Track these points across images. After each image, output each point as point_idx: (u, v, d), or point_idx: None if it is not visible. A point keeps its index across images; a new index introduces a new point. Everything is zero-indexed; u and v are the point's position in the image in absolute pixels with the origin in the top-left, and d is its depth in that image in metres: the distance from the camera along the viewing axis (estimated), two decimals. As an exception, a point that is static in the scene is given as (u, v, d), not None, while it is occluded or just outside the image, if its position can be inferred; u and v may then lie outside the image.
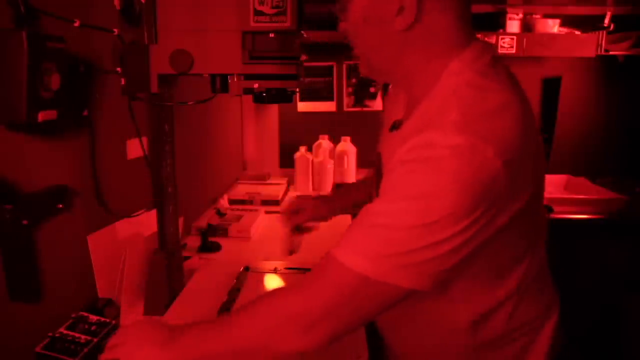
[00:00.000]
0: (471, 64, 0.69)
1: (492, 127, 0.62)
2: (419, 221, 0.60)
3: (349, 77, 2.80)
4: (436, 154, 0.60)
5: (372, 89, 2.80)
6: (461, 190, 0.58)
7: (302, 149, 2.50)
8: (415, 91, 0.75)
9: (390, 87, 0.93)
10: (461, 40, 0.71)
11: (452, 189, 0.59)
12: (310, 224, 1.28)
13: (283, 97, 1.06)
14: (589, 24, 2.44)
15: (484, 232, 0.62)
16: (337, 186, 2.34)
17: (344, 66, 2.78)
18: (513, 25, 2.45)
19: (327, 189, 2.47)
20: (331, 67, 2.79)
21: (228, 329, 0.72)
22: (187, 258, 1.47)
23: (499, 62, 0.72)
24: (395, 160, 0.66)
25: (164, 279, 1.18)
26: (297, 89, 1.05)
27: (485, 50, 0.72)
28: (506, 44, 2.41)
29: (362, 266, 0.63)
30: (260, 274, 1.33)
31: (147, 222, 1.27)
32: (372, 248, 0.63)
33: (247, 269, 1.35)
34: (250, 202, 2.19)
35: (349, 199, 1.32)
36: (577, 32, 2.45)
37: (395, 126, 0.83)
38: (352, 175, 2.53)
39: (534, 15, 2.48)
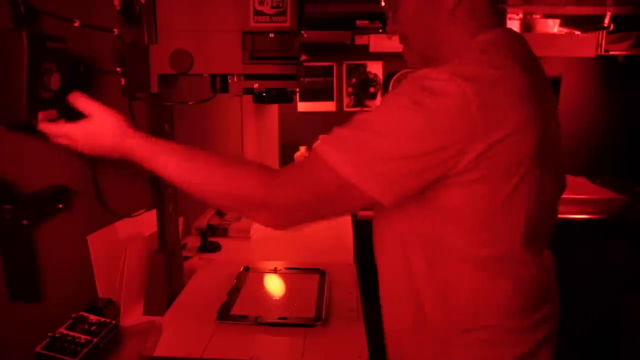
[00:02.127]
0: (488, 39, 0.77)
1: (477, 71, 0.70)
2: (401, 132, 0.69)
3: (349, 77, 2.80)
4: (425, 82, 0.69)
5: (372, 89, 2.80)
6: (439, 116, 0.68)
7: (302, 149, 2.50)
8: None
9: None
10: (494, 21, 0.81)
11: (432, 113, 0.68)
12: None
13: (283, 97, 1.06)
14: (589, 24, 2.44)
15: (452, 163, 0.69)
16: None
17: (344, 66, 2.78)
18: (513, 25, 2.46)
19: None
20: (331, 67, 2.79)
21: (194, 164, 0.83)
22: (187, 258, 1.47)
23: (523, 43, 0.81)
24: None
25: (164, 279, 1.18)
26: (297, 89, 1.05)
27: (511, 32, 0.81)
28: (506, 44, 2.41)
29: (346, 170, 0.70)
30: (260, 274, 1.33)
31: (147, 222, 1.27)
32: (357, 152, 0.71)
33: (247, 269, 1.35)
34: (250, 202, 2.18)
35: None
36: (577, 32, 2.46)
37: None
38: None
39: (534, 15, 2.48)
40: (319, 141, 0.75)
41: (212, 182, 0.82)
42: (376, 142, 0.70)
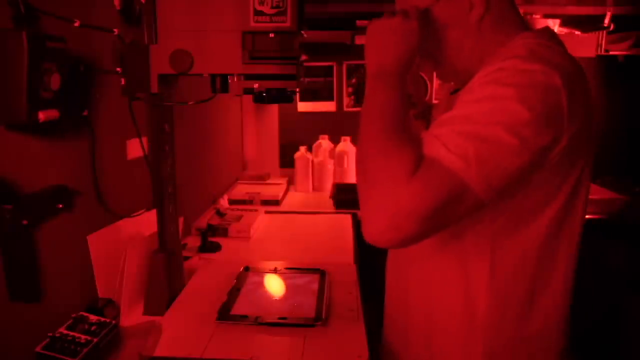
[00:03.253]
0: (533, 37, 0.79)
1: (555, 60, 0.71)
2: (507, 125, 0.66)
3: (349, 77, 2.80)
4: (514, 75, 0.69)
5: (372, 89, 2.80)
6: (541, 107, 0.67)
7: (302, 149, 2.50)
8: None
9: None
10: (520, 24, 0.83)
11: (532, 102, 0.66)
12: None
13: (283, 97, 1.06)
14: (589, 24, 2.44)
15: (547, 156, 0.70)
16: (337, 185, 2.34)
17: (344, 66, 2.78)
18: (513, 25, 2.45)
19: (327, 188, 2.48)
20: (331, 67, 2.79)
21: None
22: (187, 258, 1.47)
23: (560, 41, 0.81)
24: (470, 86, 0.73)
25: (164, 279, 1.18)
26: (297, 89, 1.05)
27: (544, 30, 0.82)
28: (506, 44, 2.41)
29: (466, 173, 0.66)
30: (260, 274, 1.33)
31: (147, 222, 1.27)
32: (472, 153, 0.66)
33: (247, 269, 1.35)
34: (250, 202, 2.19)
35: None
36: (577, 32, 2.45)
37: (457, 90, 0.90)
38: (352, 175, 2.53)
39: (534, 15, 2.48)
40: (429, 144, 0.70)
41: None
42: (484, 138, 0.66)
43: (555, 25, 2.45)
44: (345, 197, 2.21)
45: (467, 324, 0.84)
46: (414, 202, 0.66)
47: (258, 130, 2.77)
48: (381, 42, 0.82)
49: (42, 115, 0.82)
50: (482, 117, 0.68)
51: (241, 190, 2.31)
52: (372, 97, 0.79)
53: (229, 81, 1.04)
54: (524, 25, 0.84)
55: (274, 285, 1.29)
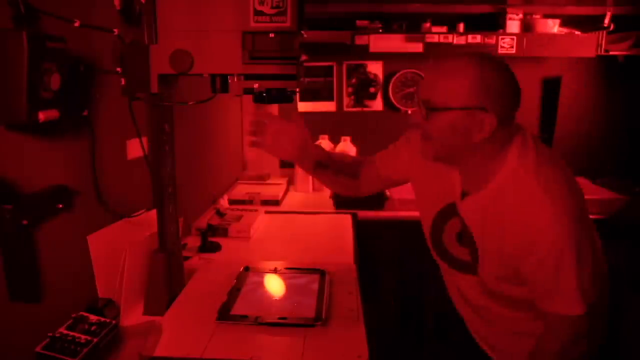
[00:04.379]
0: (523, 150, 0.96)
1: (569, 191, 0.93)
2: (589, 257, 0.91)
3: (349, 77, 2.80)
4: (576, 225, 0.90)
5: (372, 89, 2.80)
6: (573, 222, 0.90)
7: (302, 149, 2.49)
8: (479, 171, 1.00)
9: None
10: (509, 135, 0.97)
11: (573, 230, 0.90)
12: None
13: (283, 97, 1.06)
14: (589, 24, 2.44)
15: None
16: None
17: (344, 66, 2.78)
18: (513, 25, 2.45)
19: (327, 189, 2.47)
20: (331, 67, 2.79)
21: None
22: (187, 258, 1.47)
23: (537, 140, 1.00)
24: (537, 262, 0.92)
25: (164, 279, 1.18)
26: (297, 89, 1.05)
27: (525, 138, 0.98)
28: (506, 44, 2.41)
29: (578, 309, 0.91)
30: (260, 274, 1.33)
31: (147, 222, 1.27)
32: (579, 290, 0.91)
33: (247, 269, 1.35)
34: (250, 202, 2.19)
35: (324, 154, 1.26)
36: (577, 32, 2.45)
37: (465, 194, 1.05)
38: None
39: (534, 16, 2.48)
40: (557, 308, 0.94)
41: None
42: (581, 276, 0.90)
43: (555, 25, 2.45)
44: (345, 197, 2.20)
45: None
46: None
47: (258, 130, 2.76)
48: None
49: (42, 115, 0.82)
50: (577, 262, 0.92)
51: (241, 190, 2.31)
52: None
53: (229, 81, 1.04)
54: (512, 135, 0.98)
55: (274, 285, 1.29)
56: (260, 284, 1.28)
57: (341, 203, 2.19)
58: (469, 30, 2.46)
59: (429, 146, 1.01)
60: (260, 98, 1.05)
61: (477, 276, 1.07)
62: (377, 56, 2.62)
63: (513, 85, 0.94)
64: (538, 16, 2.48)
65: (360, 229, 1.93)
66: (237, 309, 1.12)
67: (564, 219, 0.89)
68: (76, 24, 0.91)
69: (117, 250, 1.15)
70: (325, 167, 1.26)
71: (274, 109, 2.76)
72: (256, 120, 1.16)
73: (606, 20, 2.39)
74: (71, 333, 0.93)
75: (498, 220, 0.97)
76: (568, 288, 0.91)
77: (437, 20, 2.49)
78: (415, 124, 1.00)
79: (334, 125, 2.70)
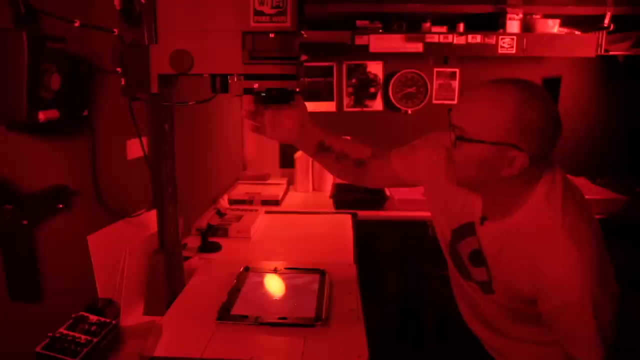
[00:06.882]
0: (551, 189, 0.93)
1: (594, 238, 0.90)
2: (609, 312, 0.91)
3: (349, 77, 2.80)
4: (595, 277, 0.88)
5: (372, 89, 2.80)
6: (595, 271, 0.88)
7: (302, 149, 2.49)
8: (503, 201, 0.97)
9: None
10: (539, 172, 0.94)
11: (591, 274, 0.87)
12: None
13: (283, 97, 1.06)
14: (589, 24, 2.44)
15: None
16: (337, 185, 2.34)
17: (344, 66, 2.78)
18: (513, 25, 2.45)
19: (327, 188, 2.47)
20: (331, 67, 2.79)
21: None
22: (187, 258, 1.47)
23: (566, 178, 0.96)
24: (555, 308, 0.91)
25: (164, 279, 1.18)
26: (297, 89, 1.04)
27: (554, 175, 0.95)
28: (506, 44, 2.41)
29: (597, 355, 0.91)
30: (260, 274, 1.33)
31: (147, 222, 1.27)
32: (599, 336, 0.90)
33: (247, 269, 1.35)
34: (250, 202, 2.19)
35: (327, 136, 1.22)
36: (577, 32, 2.45)
37: (484, 219, 1.02)
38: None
39: (534, 16, 2.48)
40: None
41: None
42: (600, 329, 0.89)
43: (555, 25, 2.45)
44: (345, 197, 2.21)
45: None
46: None
47: (258, 130, 2.76)
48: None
49: (42, 115, 0.82)
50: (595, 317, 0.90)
51: (241, 190, 2.31)
52: None
53: (229, 81, 1.04)
54: (542, 173, 0.94)
55: (274, 285, 1.29)
56: (260, 284, 1.28)
57: (341, 203, 2.19)
58: (469, 30, 2.46)
59: (454, 171, 0.97)
60: (260, 98, 1.05)
61: (492, 294, 1.04)
62: (377, 56, 2.62)
63: (554, 124, 0.89)
64: (538, 16, 2.47)
65: (360, 229, 1.93)
66: (237, 309, 1.12)
67: (588, 267, 0.86)
68: (76, 24, 0.91)
69: (117, 251, 1.15)
70: (328, 150, 1.20)
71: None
72: (250, 110, 1.13)
73: (606, 20, 2.38)
74: (71, 333, 0.93)
75: (515, 254, 0.94)
76: (588, 336, 0.89)
77: (437, 20, 2.49)
78: (444, 145, 0.96)
79: (334, 126, 2.69)
